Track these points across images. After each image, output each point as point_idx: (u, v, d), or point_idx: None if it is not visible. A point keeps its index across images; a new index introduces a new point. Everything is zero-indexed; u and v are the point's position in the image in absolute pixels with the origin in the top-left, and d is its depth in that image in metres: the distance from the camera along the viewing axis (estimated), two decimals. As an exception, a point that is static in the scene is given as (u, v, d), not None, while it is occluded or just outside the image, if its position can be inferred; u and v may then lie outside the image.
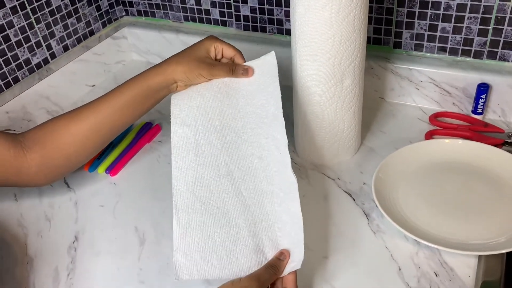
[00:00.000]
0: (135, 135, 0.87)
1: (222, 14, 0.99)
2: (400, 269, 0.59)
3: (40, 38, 0.94)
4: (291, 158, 0.78)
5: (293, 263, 0.52)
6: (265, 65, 0.66)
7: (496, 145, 0.73)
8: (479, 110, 0.80)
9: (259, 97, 0.63)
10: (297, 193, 0.55)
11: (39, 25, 0.92)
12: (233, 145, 0.59)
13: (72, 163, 0.68)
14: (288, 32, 0.95)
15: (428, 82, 0.84)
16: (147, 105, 0.69)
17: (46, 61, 0.96)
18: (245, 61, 0.68)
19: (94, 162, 0.82)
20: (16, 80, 0.91)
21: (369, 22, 0.85)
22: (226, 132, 0.60)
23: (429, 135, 0.79)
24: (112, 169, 0.80)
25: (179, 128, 0.61)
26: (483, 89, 0.77)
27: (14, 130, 0.89)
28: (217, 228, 0.54)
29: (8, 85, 0.89)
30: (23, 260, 0.67)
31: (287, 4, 0.91)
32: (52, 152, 0.65)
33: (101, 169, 0.81)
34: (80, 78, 1.01)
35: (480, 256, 0.60)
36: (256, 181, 0.57)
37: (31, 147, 0.64)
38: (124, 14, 1.12)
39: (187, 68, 0.66)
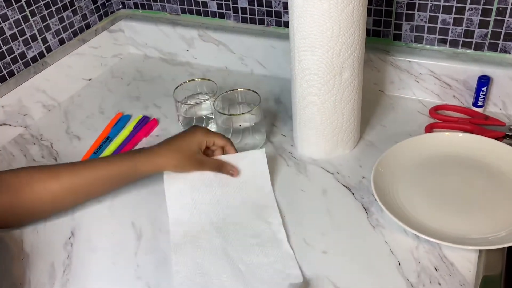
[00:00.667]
0: (132, 129, 0.86)
1: (219, 6, 0.98)
2: (399, 263, 0.59)
3: (36, 31, 0.92)
4: (290, 152, 0.78)
5: None
6: (255, 158, 0.71)
7: (497, 138, 0.73)
8: (480, 103, 0.79)
9: (249, 187, 0.69)
10: (297, 264, 0.59)
11: (34, 18, 0.91)
12: (228, 231, 0.64)
13: (45, 215, 0.69)
14: (287, 25, 0.94)
15: (428, 75, 0.83)
16: (130, 182, 0.71)
17: (41, 55, 0.95)
18: (236, 151, 0.71)
19: (90, 157, 0.81)
20: (11, 74, 0.90)
21: (369, 13, 0.84)
22: (221, 223, 0.65)
23: (429, 128, 0.78)
24: (109, 164, 0.79)
25: (178, 228, 0.66)
26: (484, 81, 0.77)
27: (10, 125, 0.88)
28: None
29: (3, 79, 0.88)
30: (19, 256, 0.66)
31: (286, -4, 0.90)
32: (25, 203, 0.64)
33: (98, 163, 0.80)
34: (77, 72, 1.00)
35: (480, 250, 0.59)
36: (252, 256, 0.61)
37: (2, 191, 0.63)
38: (120, 7, 1.11)
39: (177, 163, 0.68)
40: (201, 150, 0.69)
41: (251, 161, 0.71)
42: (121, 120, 0.89)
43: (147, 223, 0.69)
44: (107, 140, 0.85)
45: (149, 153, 0.67)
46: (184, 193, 0.68)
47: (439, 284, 0.56)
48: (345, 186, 0.71)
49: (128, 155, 0.68)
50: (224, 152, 0.71)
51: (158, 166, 0.67)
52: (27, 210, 0.65)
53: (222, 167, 0.69)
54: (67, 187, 0.65)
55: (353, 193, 0.69)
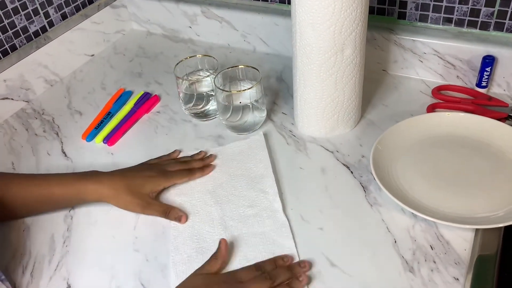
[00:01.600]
0: (133, 105, 0.86)
1: (223, -18, 0.97)
2: (395, 241, 0.59)
3: (38, 5, 0.92)
4: (290, 130, 0.78)
5: None
6: (253, 141, 0.75)
7: (499, 119, 0.72)
8: (484, 83, 0.78)
9: (248, 164, 0.71)
10: (290, 232, 0.61)
11: (36, -8, 0.91)
12: (225, 202, 0.66)
13: (17, 217, 0.67)
14: (290, 2, 0.92)
15: (432, 54, 0.81)
16: (79, 204, 0.69)
17: (44, 29, 0.94)
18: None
19: (91, 132, 0.82)
20: (13, 48, 0.90)
21: (373, -9, 0.83)
22: (219, 192, 0.67)
23: (431, 109, 0.77)
24: (110, 139, 0.80)
25: (178, 198, 0.68)
26: (489, 61, 0.75)
27: (12, 99, 0.89)
28: None
29: (5, 53, 0.88)
30: (20, 228, 0.67)
31: (289, -28, 0.88)
32: None
33: (99, 139, 0.80)
34: (79, 47, 1.00)
35: (477, 230, 0.59)
36: (248, 225, 0.62)
37: None
38: (123, -18, 1.10)
39: (123, 205, 0.65)
40: (154, 194, 0.67)
41: (250, 142, 0.75)
42: (123, 96, 0.89)
43: (146, 197, 0.69)
44: (109, 115, 0.85)
45: (97, 183, 0.64)
46: None
47: (434, 262, 0.56)
48: (344, 165, 0.71)
49: (75, 180, 0.65)
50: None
51: (103, 198, 0.65)
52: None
53: (169, 213, 0.64)
54: (16, 200, 0.64)
55: (352, 172, 0.69)
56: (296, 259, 0.58)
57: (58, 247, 0.64)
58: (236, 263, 0.58)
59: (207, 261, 0.57)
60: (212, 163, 0.72)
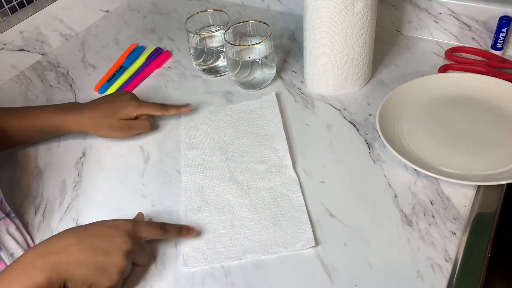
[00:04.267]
0: (145, 60, 0.87)
1: None
2: (396, 196, 0.60)
3: (53, -42, 0.92)
4: (299, 88, 0.78)
5: (302, 242, 0.55)
6: (265, 101, 0.75)
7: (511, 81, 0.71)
8: (499, 45, 0.76)
9: (259, 122, 0.72)
10: (299, 187, 0.61)
11: None
12: (236, 158, 0.67)
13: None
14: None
15: (448, 15, 0.80)
16: (60, 135, 0.74)
17: (59, -17, 0.95)
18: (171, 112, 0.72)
19: (104, 84, 0.83)
20: (29, 0, 0.91)
21: None
22: (230, 149, 0.68)
23: (443, 70, 0.76)
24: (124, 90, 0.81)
25: (189, 152, 0.69)
26: (505, 22, 0.74)
27: (28, 51, 0.90)
28: (222, 222, 0.59)
29: (21, 5, 0.89)
30: (33, 172, 0.70)
31: None
32: None
33: (111, 91, 0.82)
34: (94, 2, 1.01)
35: (478, 188, 0.59)
36: (257, 180, 0.63)
37: None
38: None
39: (104, 132, 0.70)
40: (129, 117, 0.69)
41: (262, 102, 0.75)
42: (135, 51, 0.90)
43: (154, 148, 0.71)
44: (121, 69, 0.86)
45: (78, 115, 0.68)
46: (198, 127, 0.72)
47: (433, 216, 0.57)
48: (350, 122, 0.71)
49: (58, 111, 0.68)
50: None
51: (85, 129, 0.69)
52: None
53: (165, 108, 0.71)
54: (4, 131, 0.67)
55: (357, 129, 0.70)
56: (304, 212, 0.58)
57: (69, 190, 0.66)
58: (245, 214, 0.59)
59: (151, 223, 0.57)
60: (189, 106, 0.73)
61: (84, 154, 0.71)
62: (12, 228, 0.58)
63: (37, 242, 0.60)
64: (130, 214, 0.61)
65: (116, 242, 0.49)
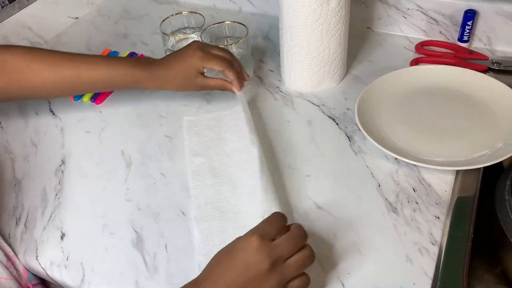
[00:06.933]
0: (120, 64, 0.86)
1: None
2: (379, 185, 0.61)
3: (19, -36, 0.90)
4: (277, 87, 0.79)
5: None
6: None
7: (480, 72, 0.74)
8: (465, 38, 0.80)
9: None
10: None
11: (16, -50, 0.89)
12: (243, 162, 0.65)
13: (39, 97, 0.71)
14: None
15: (416, 10, 0.83)
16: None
17: (26, -10, 0.93)
18: (237, 74, 0.69)
19: (79, 91, 0.82)
20: (-5, 8, 0.88)
21: None
22: (235, 154, 0.67)
23: (414, 63, 0.79)
24: (97, 98, 0.80)
25: (195, 158, 0.67)
26: (470, 15, 0.77)
27: (-3, 60, 0.88)
28: (236, 230, 0.57)
29: (-13, 14, 0.87)
30: (11, 182, 0.68)
31: None
32: (19, 86, 0.67)
33: (86, 97, 0.81)
34: (62, 9, 0.99)
35: (457, 173, 0.62)
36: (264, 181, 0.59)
37: None
38: None
39: (179, 86, 0.70)
40: (200, 73, 0.68)
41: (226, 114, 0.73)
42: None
43: (136, 151, 0.70)
44: (95, 75, 0.85)
45: (153, 73, 0.68)
46: (202, 133, 0.71)
47: (416, 203, 0.59)
48: (329, 117, 0.72)
49: (132, 67, 0.68)
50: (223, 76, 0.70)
51: (161, 86, 0.70)
52: (20, 91, 0.68)
53: (225, 86, 0.69)
54: (63, 81, 0.68)
55: (337, 123, 0.71)
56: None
57: (50, 199, 0.65)
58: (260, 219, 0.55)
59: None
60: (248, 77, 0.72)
61: (63, 162, 0.70)
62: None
63: (20, 254, 0.58)
64: (118, 220, 0.60)
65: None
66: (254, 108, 0.75)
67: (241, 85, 0.69)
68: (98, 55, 0.71)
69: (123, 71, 0.68)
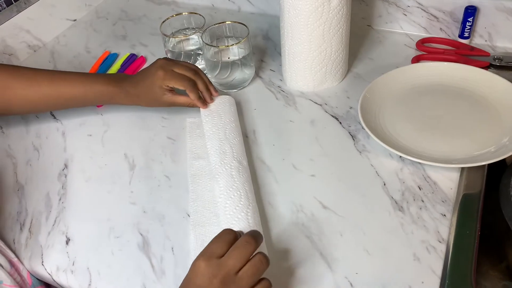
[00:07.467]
0: (120, 66, 0.86)
1: None
2: (384, 184, 0.61)
3: (16, -33, 0.90)
4: (279, 86, 0.79)
5: None
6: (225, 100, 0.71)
7: (481, 68, 0.74)
8: (466, 34, 0.80)
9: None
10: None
11: (13, -47, 0.88)
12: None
13: (20, 114, 0.73)
14: (274, -41, 0.92)
15: (416, 7, 0.83)
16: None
17: (23, -7, 0.92)
18: (200, 93, 0.69)
19: (79, 94, 0.81)
20: (-7, 12, 0.88)
21: None
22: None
23: (416, 60, 0.79)
24: (99, 100, 0.79)
25: (195, 161, 0.67)
26: (471, 11, 0.77)
27: (-5, 64, 0.87)
28: None
29: (-15, 17, 0.87)
30: (14, 188, 0.67)
31: None
32: (1, 104, 0.68)
33: (87, 100, 0.80)
34: (60, 12, 0.98)
35: (462, 170, 0.62)
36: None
37: None
38: None
39: (150, 103, 0.71)
40: (167, 90, 0.68)
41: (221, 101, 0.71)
42: (108, 59, 0.89)
43: (139, 154, 0.70)
44: (96, 77, 0.84)
45: (125, 89, 0.69)
46: (202, 136, 0.69)
47: (422, 201, 0.59)
48: (332, 116, 0.72)
49: (107, 84, 0.69)
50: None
51: (134, 102, 0.71)
52: (1, 108, 0.69)
53: (192, 104, 0.69)
54: (44, 98, 0.69)
55: (340, 122, 0.71)
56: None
57: (54, 204, 0.64)
58: (256, 226, 0.55)
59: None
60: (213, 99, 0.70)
61: (66, 166, 0.69)
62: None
63: (25, 260, 0.58)
64: (124, 223, 0.59)
65: None
66: (256, 108, 0.75)
67: (205, 104, 0.69)
68: (77, 72, 0.71)
69: (98, 88, 0.69)
